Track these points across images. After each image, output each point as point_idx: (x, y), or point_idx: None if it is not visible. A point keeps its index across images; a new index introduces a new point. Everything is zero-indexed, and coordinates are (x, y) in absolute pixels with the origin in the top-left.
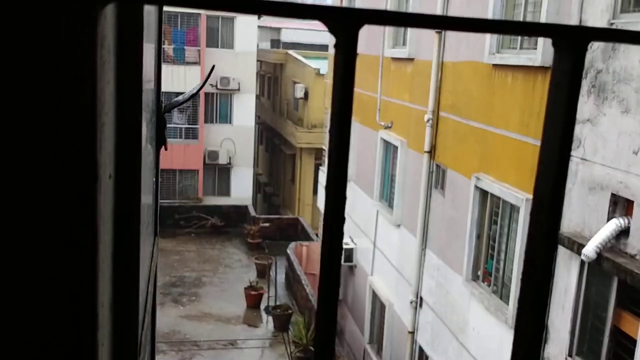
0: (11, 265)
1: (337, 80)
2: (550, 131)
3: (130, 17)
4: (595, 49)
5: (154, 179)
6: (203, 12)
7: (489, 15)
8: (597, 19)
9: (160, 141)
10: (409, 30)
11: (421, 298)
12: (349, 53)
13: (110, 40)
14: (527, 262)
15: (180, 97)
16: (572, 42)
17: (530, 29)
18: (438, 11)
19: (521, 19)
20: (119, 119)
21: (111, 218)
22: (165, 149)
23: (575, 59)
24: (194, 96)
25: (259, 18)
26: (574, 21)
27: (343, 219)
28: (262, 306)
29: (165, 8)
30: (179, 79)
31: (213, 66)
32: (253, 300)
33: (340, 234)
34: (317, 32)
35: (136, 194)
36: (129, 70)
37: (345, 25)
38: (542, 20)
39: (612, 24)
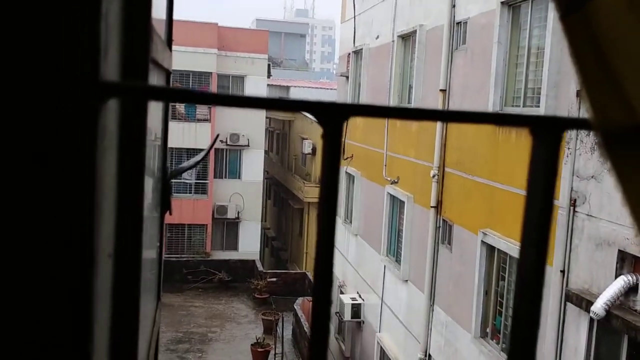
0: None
1: (325, 167)
2: (530, 213)
3: (134, 107)
4: None
5: (158, 244)
6: (214, 72)
7: (492, 74)
8: None
9: (165, 206)
10: (414, 87)
11: (430, 355)
12: (334, 143)
13: (113, 129)
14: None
15: (185, 164)
16: (547, 130)
17: (508, 120)
18: (442, 70)
19: (523, 78)
20: (121, 200)
21: (109, 293)
22: (170, 214)
23: (551, 146)
24: (199, 163)
25: (268, 77)
26: (575, 80)
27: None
28: None
29: (178, 67)
30: (190, 136)
31: (217, 135)
32: (259, 357)
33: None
34: (324, 90)
35: (136, 270)
36: (132, 153)
37: (332, 118)
38: (544, 78)
39: None
